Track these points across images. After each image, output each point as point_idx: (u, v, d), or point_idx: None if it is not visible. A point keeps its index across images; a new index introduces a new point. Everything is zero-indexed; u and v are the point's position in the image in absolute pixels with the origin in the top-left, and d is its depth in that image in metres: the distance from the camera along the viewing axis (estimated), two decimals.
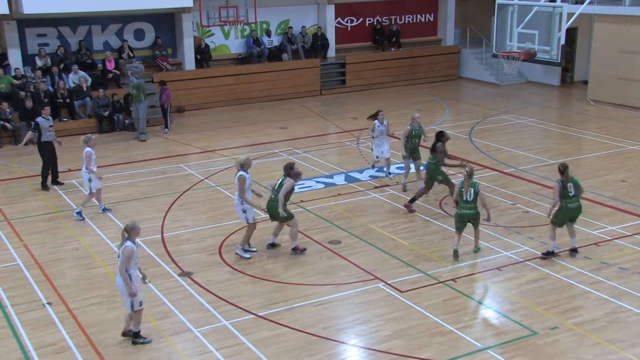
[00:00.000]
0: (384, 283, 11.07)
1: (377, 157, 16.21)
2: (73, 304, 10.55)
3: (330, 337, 9.57)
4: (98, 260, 12.19)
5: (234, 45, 26.47)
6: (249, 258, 12.06)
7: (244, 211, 12.03)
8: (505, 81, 27.61)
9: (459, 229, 11.86)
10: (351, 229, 13.31)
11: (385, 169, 16.32)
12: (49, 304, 10.56)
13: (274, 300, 10.62)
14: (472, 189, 11.63)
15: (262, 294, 10.84)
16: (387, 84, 27.76)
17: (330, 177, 16.63)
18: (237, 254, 12.18)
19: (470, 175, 11.72)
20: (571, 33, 25.38)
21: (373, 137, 16.12)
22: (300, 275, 11.45)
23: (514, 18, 18.57)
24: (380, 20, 28.69)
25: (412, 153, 15.03)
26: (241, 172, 11.85)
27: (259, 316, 10.11)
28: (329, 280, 11.26)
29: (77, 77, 22.05)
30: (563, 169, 11.53)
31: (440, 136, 13.86)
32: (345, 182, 16.14)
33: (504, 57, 18.75)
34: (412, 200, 14.11)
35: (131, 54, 24.00)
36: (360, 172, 16.87)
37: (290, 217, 12.06)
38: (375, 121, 15.89)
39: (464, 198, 11.65)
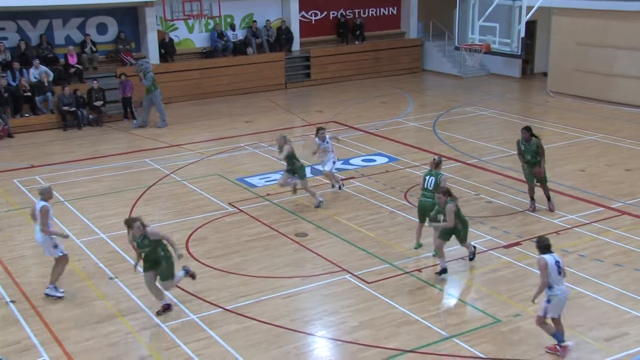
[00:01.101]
0: (350, 274, 11.11)
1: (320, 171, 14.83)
2: (37, 301, 10.39)
3: (298, 329, 9.59)
4: None
5: (199, 39, 26.25)
6: (62, 297, 10.56)
7: (55, 246, 10.47)
8: (468, 73, 27.84)
9: (420, 219, 11.89)
10: (317, 221, 13.32)
11: (335, 183, 14.93)
12: (13, 302, 10.38)
13: (242, 293, 10.59)
14: (434, 179, 11.63)
15: (229, 287, 10.80)
16: (352, 76, 27.80)
17: None
18: (46, 294, 10.53)
19: (437, 165, 11.74)
20: (530, 26, 25.68)
21: (314, 153, 14.49)
22: (268, 268, 11.43)
23: (475, 11, 18.71)
24: (344, 14, 28.69)
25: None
26: (43, 203, 10.27)
27: (227, 309, 10.08)
28: (296, 273, 11.26)
29: (38, 72, 21.65)
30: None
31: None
32: (311, 175, 16.12)
33: (466, 49, 18.90)
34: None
35: (94, 49, 23.65)
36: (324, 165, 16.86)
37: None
38: (316, 139, 14.40)
39: (425, 186, 11.69)
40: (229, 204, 14.34)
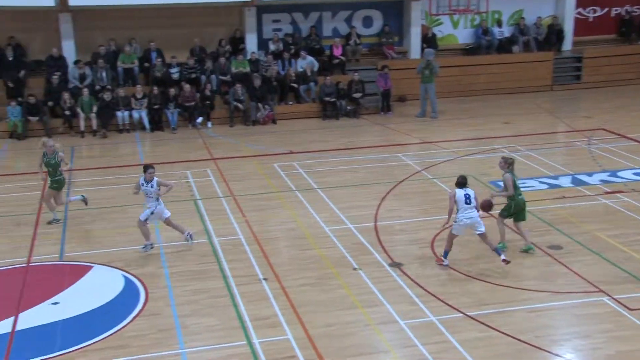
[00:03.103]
0: (609, 297, 10.34)
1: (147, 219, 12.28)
2: (286, 282, 11.12)
3: (543, 347, 9.15)
4: (312, 242, 12.71)
5: (462, 35, 26.13)
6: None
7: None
8: None
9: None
10: (575, 235, 12.58)
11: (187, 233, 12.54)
12: (265, 279, 11.23)
13: (485, 301, 10.37)
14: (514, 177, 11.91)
15: (472, 293, 10.63)
16: (632, 80, 25.70)
17: (555, 178, 15.84)
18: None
19: (510, 165, 11.86)
20: None
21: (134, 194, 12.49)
22: (514, 278, 11.06)
23: None
24: (629, 10, 26.61)
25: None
26: None
27: (468, 315, 9.94)
28: (546, 287, 10.75)
29: (305, 63, 23.13)
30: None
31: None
32: (572, 185, 15.29)
33: None
34: None
35: (358, 41, 24.66)
36: (590, 175, 15.89)
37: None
38: (140, 178, 12.19)
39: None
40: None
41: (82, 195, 14.22)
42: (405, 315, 10.01)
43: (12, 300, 10.56)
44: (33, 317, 10.08)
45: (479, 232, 11.35)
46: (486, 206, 11.65)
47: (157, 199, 12.16)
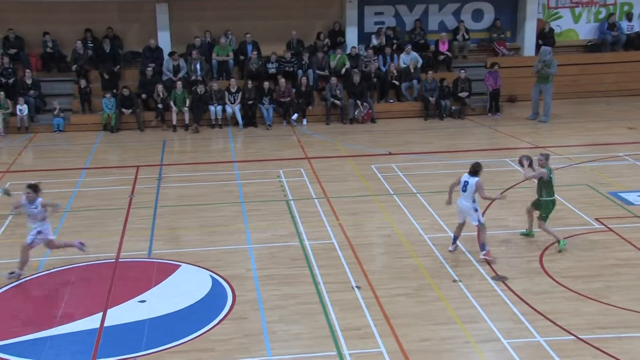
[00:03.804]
0: None
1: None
2: (380, 291, 11.10)
3: None
4: (410, 250, 12.64)
5: (584, 30, 25.36)
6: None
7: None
8: None
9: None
10: None
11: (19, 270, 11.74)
12: (358, 287, 11.25)
13: (601, 324, 10.00)
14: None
15: (586, 314, 10.28)
16: None
17: None
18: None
19: (547, 158, 12.45)
20: None
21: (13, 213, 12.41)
22: (638, 301, 10.61)
23: None
24: None
25: None
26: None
27: (581, 339, 9.61)
28: None
29: (409, 58, 23.02)
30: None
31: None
32: None
33: None
34: None
35: (466, 36, 24.34)
36: None
37: None
38: (22, 197, 11.53)
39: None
40: (596, 219, 13.66)
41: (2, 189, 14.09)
42: (508, 334, 9.79)
43: (100, 296, 11.02)
44: (121, 314, 10.48)
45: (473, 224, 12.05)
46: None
47: (43, 220, 11.51)
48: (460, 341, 9.68)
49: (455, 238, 12.47)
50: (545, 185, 12.41)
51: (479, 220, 11.97)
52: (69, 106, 22.46)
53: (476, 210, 11.98)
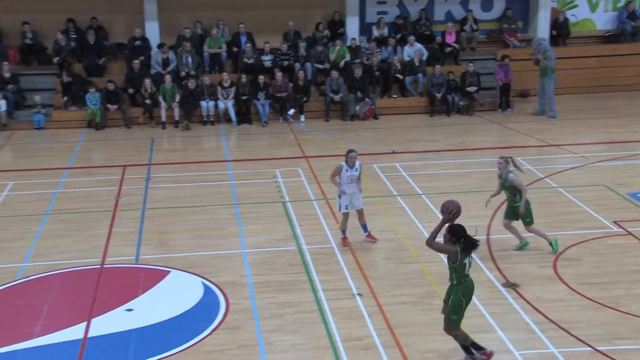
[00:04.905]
0: None
1: (347, 206, 13.07)
2: (383, 298, 11.11)
3: None
4: (414, 254, 12.66)
5: (602, 20, 25.43)
6: None
7: None
8: None
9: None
10: None
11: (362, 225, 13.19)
12: (359, 294, 11.26)
13: (620, 334, 10.01)
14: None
15: (603, 324, 10.30)
16: None
17: None
18: None
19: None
20: None
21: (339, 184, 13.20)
22: None
23: None
24: None
25: None
26: None
27: (598, 350, 9.63)
28: None
29: (412, 50, 23.05)
30: None
31: None
32: None
33: None
34: None
35: (474, 27, 24.38)
36: None
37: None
38: (343, 163, 13.04)
39: None
40: (614, 222, 13.69)
41: None
42: (520, 344, 9.80)
43: (84, 304, 11.02)
44: (106, 323, 10.47)
45: None
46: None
47: None
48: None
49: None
50: (514, 189, 12.36)
51: None
52: (51, 101, 22.46)
53: None
